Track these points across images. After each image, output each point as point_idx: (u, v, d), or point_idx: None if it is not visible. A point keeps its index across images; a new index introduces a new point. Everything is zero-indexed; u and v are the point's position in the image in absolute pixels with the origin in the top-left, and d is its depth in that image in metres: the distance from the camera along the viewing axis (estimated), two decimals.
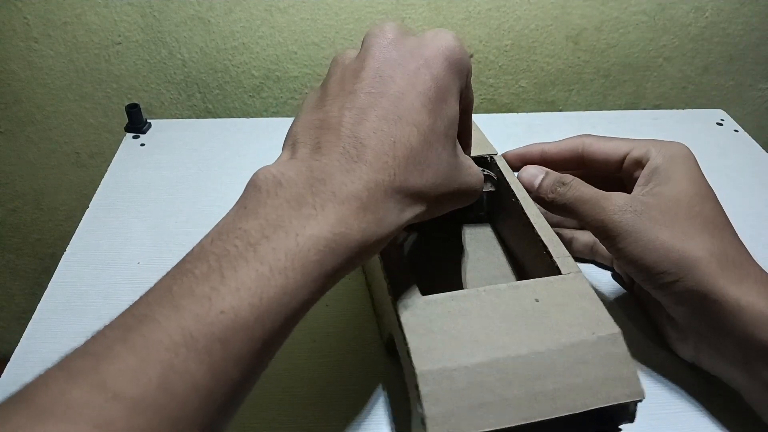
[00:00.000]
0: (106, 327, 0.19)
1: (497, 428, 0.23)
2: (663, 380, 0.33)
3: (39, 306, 0.37)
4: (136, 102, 0.55)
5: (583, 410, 0.23)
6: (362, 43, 0.27)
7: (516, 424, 0.23)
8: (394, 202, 0.23)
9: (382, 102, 0.24)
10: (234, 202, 0.23)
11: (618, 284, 0.39)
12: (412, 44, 0.26)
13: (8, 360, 0.33)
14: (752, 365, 0.29)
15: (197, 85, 0.64)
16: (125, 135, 0.53)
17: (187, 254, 0.21)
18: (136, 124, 0.53)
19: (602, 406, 0.23)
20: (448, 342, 0.24)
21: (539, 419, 0.23)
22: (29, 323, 0.36)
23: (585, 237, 0.40)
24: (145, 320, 0.18)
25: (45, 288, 0.38)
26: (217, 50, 0.62)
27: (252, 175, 0.23)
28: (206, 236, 0.21)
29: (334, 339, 0.35)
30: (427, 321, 0.25)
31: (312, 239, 0.20)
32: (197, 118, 0.67)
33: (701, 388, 0.33)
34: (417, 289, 0.27)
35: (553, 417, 0.23)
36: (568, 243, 0.40)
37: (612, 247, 0.31)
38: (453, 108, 0.26)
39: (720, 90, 0.70)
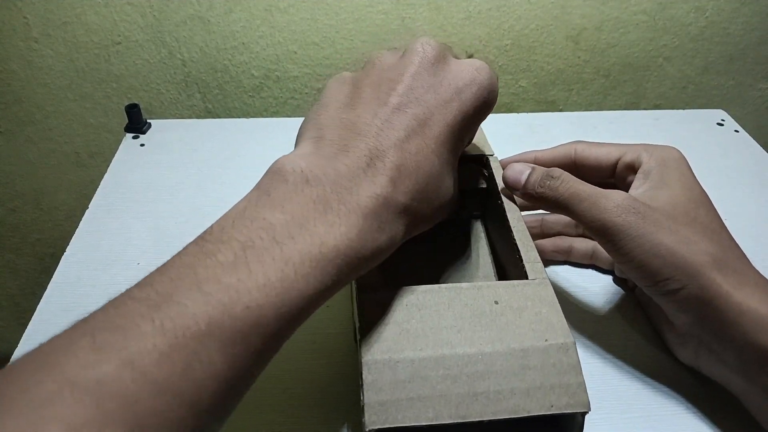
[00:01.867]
0: (126, 297, 0.19)
1: (433, 423, 0.22)
2: (662, 383, 0.33)
3: (39, 306, 0.37)
4: (136, 102, 0.55)
5: (522, 415, 0.23)
6: (404, 54, 0.28)
7: (452, 422, 0.23)
8: (403, 223, 0.25)
9: (413, 124, 0.25)
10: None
11: (619, 287, 0.39)
12: (449, 72, 0.27)
13: (8, 360, 0.33)
14: (751, 370, 0.29)
15: (197, 85, 0.64)
16: (125, 135, 0.53)
17: (207, 233, 0.21)
18: (136, 124, 0.53)
19: (542, 413, 0.23)
20: (398, 334, 0.24)
21: (476, 419, 0.23)
22: (29, 323, 0.36)
23: (583, 245, 0.40)
24: (171, 302, 0.18)
25: (45, 288, 0.38)
26: (217, 50, 0.62)
27: (274, 162, 0.23)
28: (226, 216, 0.22)
29: (334, 339, 0.35)
30: (381, 312, 0.25)
31: (334, 251, 0.21)
32: (197, 118, 0.67)
33: (700, 392, 0.33)
34: (382, 280, 0.27)
35: (491, 419, 0.23)
36: (566, 252, 0.40)
37: (613, 250, 0.30)
38: (467, 142, 0.28)
39: (720, 90, 0.70)
